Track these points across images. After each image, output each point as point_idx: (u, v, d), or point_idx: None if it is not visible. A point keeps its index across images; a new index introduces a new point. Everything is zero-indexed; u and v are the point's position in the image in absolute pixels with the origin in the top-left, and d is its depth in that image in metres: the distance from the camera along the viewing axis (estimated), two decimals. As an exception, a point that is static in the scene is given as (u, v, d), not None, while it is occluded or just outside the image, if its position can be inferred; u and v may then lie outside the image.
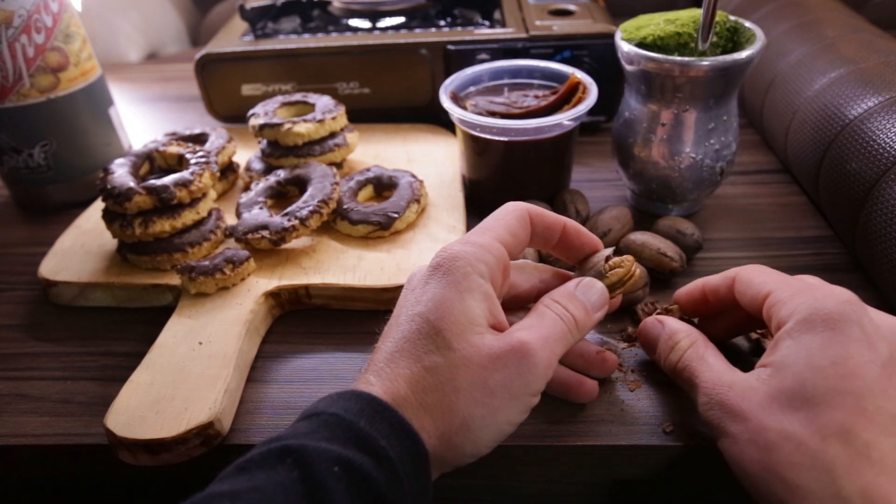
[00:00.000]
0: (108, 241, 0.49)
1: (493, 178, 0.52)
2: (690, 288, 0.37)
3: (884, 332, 0.29)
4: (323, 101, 0.56)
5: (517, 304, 0.34)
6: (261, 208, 0.48)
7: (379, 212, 0.48)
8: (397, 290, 0.43)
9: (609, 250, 0.36)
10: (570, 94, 0.49)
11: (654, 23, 0.47)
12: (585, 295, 0.33)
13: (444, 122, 0.61)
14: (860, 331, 0.28)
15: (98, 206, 0.53)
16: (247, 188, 0.53)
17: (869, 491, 0.25)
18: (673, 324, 0.36)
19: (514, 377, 0.29)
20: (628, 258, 0.35)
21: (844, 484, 0.25)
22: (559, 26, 0.62)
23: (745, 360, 0.38)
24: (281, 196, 0.51)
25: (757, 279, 0.33)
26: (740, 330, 0.38)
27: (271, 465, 0.25)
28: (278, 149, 0.53)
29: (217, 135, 0.56)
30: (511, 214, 0.34)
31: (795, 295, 0.30)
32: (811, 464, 0.26)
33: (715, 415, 0.30)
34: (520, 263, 0.37)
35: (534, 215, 0.34)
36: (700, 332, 0.35)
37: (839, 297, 0.29)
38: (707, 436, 0.33)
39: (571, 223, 0.35)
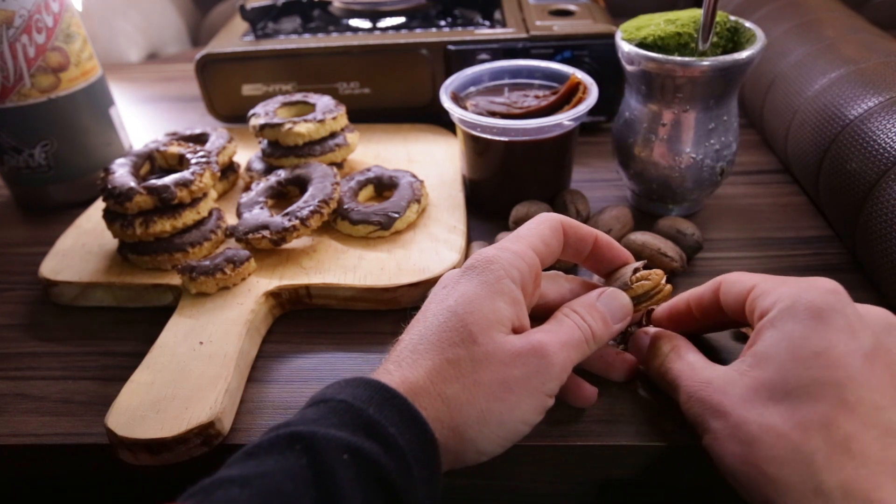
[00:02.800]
0: (109, 241, 0.49)
1: (493, 179, 0.52)
2: (675, 302, 0.37)
3: (868, 322, 0.28)
4: (323, 101, 0.56)
5: (546, 313, 0.34)
6: (261, 208, 0.48)
7: (379, 212, 0.48)
8: (398, 290, 0.43)
9: (639, 263, 0.36)
10: (571, 95, 0.49)
11: (655, 23, 0.47)
12: (606, 305, 0.33)
13: (444, 123, 0.61)
14: (844, 320, 0.28)
15: (99, 205, 0.53)
16: (247, 188, 0.53)
17: (849, 485, 0.25)
18: (656, 331, 0.36)
19: (532, 375, 0.29)
20: (657, 272, 0.35)
21: (825, 478, 0.25)
22: (559, 26, 0.62)
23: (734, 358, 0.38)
24: (281, 196, 0.51)
25: (743, 278, 0.33)
26: (711, 328, 0.38)
27: (280, 451, 0.25)
28: (279, 149, 0.54)
29: (218, 135, 0.56)
30: (545, 224, 0.34)
31: (779, 286, 0.30)
32: (791, 457, 0.26)
33: (696, 412, 0.30)
34: (551, 274, 0.37)
35: (567, 226, 0.35)
36: (681, 336, 0.35)
37: (823, 286, 0.29)
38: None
39: (603, 236, 0.36)
